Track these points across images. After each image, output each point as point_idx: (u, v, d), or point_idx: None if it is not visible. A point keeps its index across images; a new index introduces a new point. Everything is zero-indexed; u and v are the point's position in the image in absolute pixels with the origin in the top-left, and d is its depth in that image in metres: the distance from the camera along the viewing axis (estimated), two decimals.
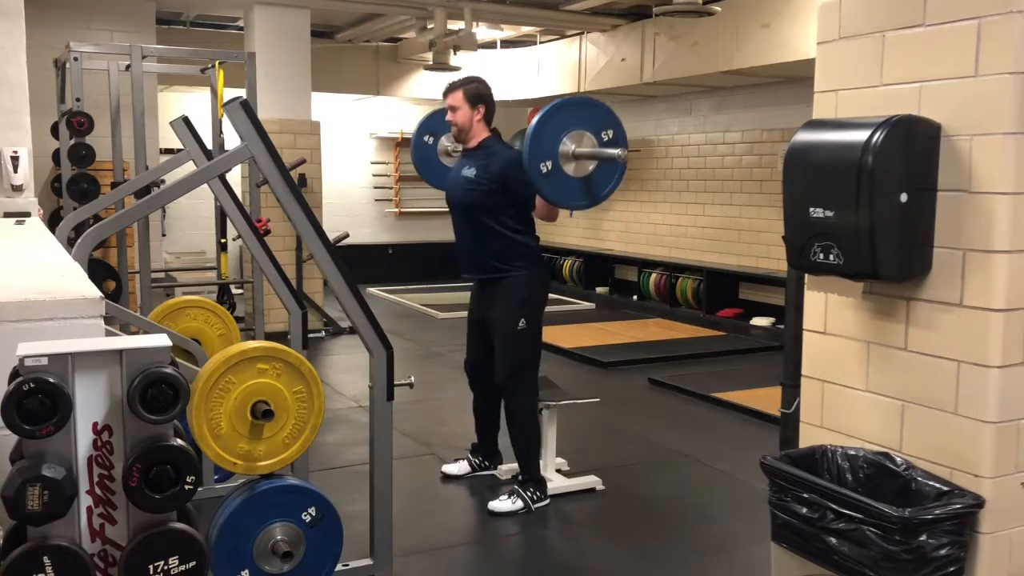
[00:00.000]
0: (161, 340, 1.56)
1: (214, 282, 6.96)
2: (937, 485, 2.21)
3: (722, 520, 3.83)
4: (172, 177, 4.86)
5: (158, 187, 5.16)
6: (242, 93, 5.56)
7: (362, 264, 10.43)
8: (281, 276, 3.29)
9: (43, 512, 1.44)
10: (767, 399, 5.07)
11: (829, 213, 2.26)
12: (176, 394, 1.52)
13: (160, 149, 7.78)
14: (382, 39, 9.84)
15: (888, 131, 2.16)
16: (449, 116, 3.94)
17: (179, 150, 4.21)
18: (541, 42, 10.06)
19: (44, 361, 1.45)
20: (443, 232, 11.76)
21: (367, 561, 2.88)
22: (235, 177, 7.34)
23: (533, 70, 10.17)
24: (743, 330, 8.30)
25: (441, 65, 8.59)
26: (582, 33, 9.29)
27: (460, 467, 4.30)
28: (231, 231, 6.28)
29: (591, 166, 3.51)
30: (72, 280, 1.82)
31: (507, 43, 10.23)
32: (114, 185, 5.77)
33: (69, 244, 3.36)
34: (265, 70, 6.99)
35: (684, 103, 9.77)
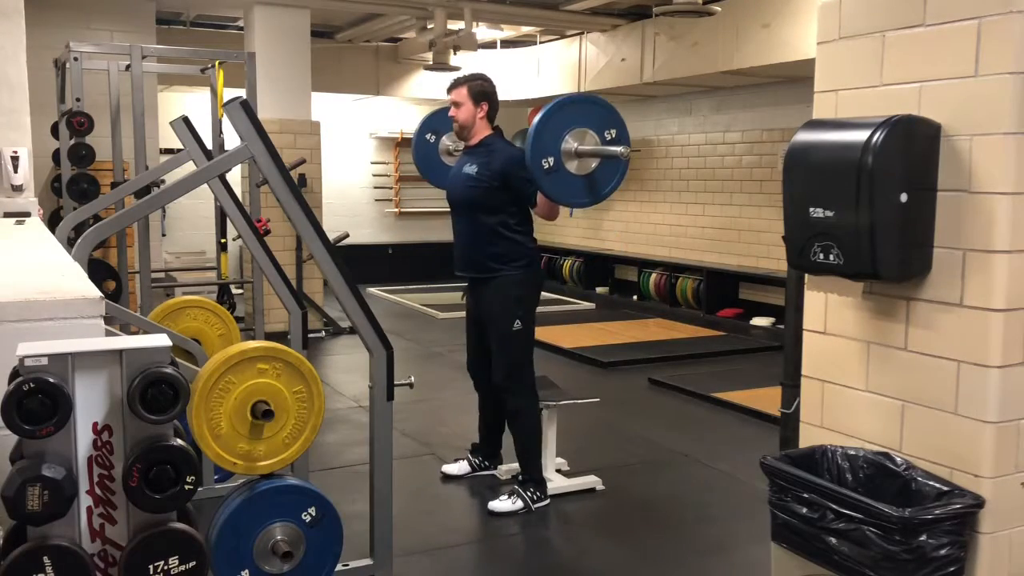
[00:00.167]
0: (161, 340, 1.56)
1: (214, 282, 6.96)
2: (937, 485, 2.21)
3: (722, 520, 3.83)
4: (172, 177, 4.86)
5: (158, 187, 5.16)
6: (242, 93, 5.57)
7: (362, 264, 10.43)
8: (281, 276, 3.29)
9: (43, 512, 1.44)
10: (767, 399, 5.07)
11: (829, 213, 2.26)
12: (176, 394, 1.52)
13: (160, 149, 7.78)
14: (382, 39, 9.84)
15: (888, 131, 2.16)
16: (452, 112, 3.94)
17: (179, 150, 4.21)
18: (541, 42, 10.06)
19: (44, 361, 1.45)
20: (443, 232, 11.73)
21: (367, 561, 2.88)
22: (235, 177, 7.34)
23: (533, 70, 10.18)
24: (743, 330, 8.30)
25: (441, 65, 8.59)
26: (582, 33, 9.29)
27: (460, 467, 4.30)
28: (231, 231, 6.29)
29: (593, 164, 3.52)
30: (72, 280, 1.82)
31: (507, 43, 10.23)
32: (114, 185, 5.77)
33: (69, 244, 3.36)
34: (265, 70, 6.99)
35: (684, 103, 9.77)
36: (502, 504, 3.85)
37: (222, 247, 6.59)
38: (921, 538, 2.06)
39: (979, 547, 2.18)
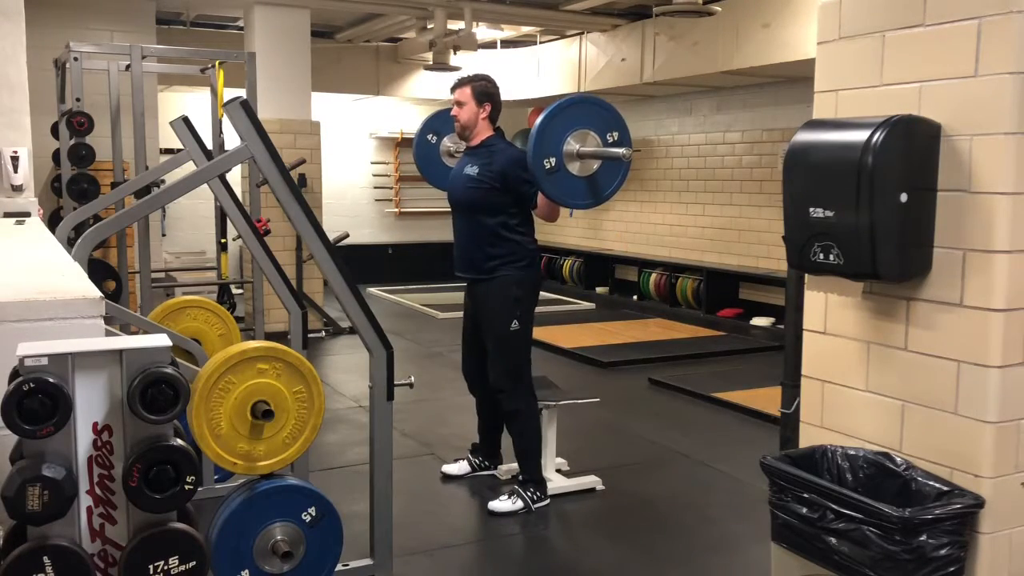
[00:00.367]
0: (161, 340, 1.56)
1: (214, 282, 6.97)
2: (937, 485, 2.21)
3: (722, 520, 3.83)
4: (172, 177, 4.87)
5: (158, 187, 5.16)
6: (242, 93, 5.56)
7: (362, 264, 10.45)
8: (281, 276, 3.29)
9: (43, 512, 1.44)
10: (767, 399, 5.07)
11: (829, 213, 2.26)
12: (176, 394, 1.52)
13: (160, 149, 7.78)
14: (382, 39, 9.84)
15: (888, 131, 2.16)
16: (455, 111, 3.94)
17: (179, 150, 4.22)
18: (541, 42, 10.06)
19: (44, 361, 1.45)
20: (443, 232, 11.74)
21: (367, 561, 2.88)
22: (235, 177, 7.34)
23: (533, 70, 10.18)
24: (743, 330, 8.30)
25: (441, 65, 8.59)
26: (582, 33, 9.29)
27: (460, 467, 4.30)
28: (231, 231, 6.29)
29: (595, 165, 3.52)
30: (72, 280, 1.82)
31: (507, 43, 10.23)
32: (114, 185, 5.78)
33: (69, 244, 3.36)
34: (265, 70, 6.99)
35: (684, 103, 9.77)
36: (502, 504, 3.85)
37: (222, 247, 6.60)
38: (921, 538, 2.06)
39: (979, 547, 2.18)
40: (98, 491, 1.53)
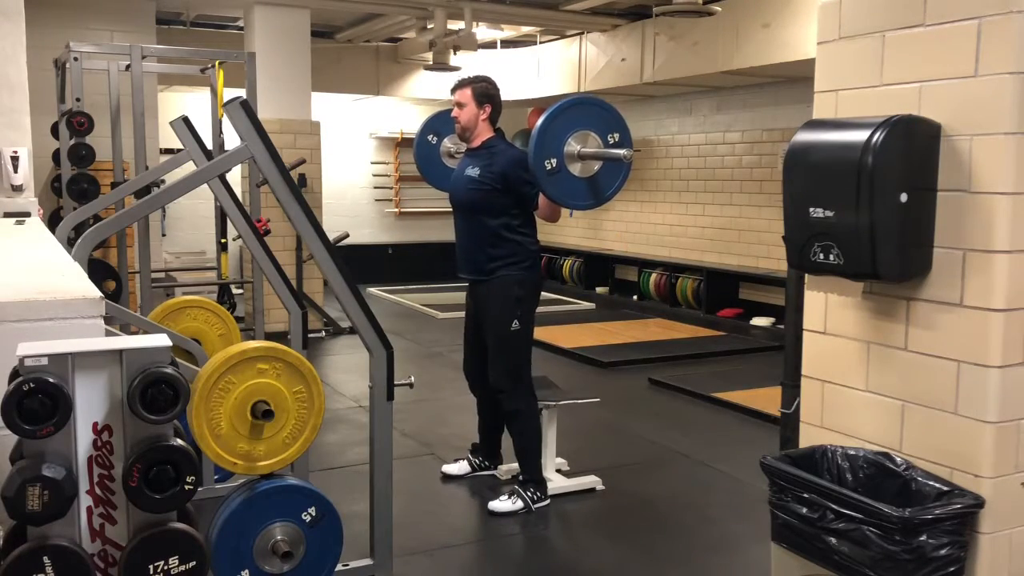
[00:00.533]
0: (161, 340, 1.56)
1: (214, 282, 6.97)
2: (937, 485, 2.21)
3: (722, 520, 3.83)
4: (172, 177, 4.87)
5: (158, 187, 5.16)
6: (242, 93, 5.57)
7: (362, 264, 10.45)
8: (281, 276, 3.29)
9: (43, 512, 1.44)
10: (767, 399, 5.07)
11: (829, 213, 2.26)
12: (176, 394, 1.52)
13: (160, 149, 7.78)
14: (382, 39, 9.84)
15: (888, 131, 2.16)
16: (455, 112, 3.94)
17: (179, 150, 4.22)
18: (541, 42, 10.06)
19: (44, 361, 1.45)
20: (443, 232, 11.78)
21: (367, 561, 2.88)
22: (235, 177, 7.34)
23: (533, 70, 10.18)
24: (743, 330, 8.30)
25: (441, 65, 8.59)
26: (582, 33, 9.29)
27: (460, 467, 4.30)
28: (231, 231, 6.29)
29: (596, 166, 3.52)
30: (72, 280, 1.82)
31: (507, 43, 10.23)
32: (114, 185, 5.78)
33: (69, 244, 3.36)
34: (265, 70, 6.99)
35: (684, 103, 9.77)
36: (502, 504, 3.85)
37: (222, 247, 6.60)
38: (921, 538, 2.06)
39: (979, 547, 2.18)
40: (98, 491, 1.53)
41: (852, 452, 2.43)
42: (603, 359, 6.82)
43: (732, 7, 7.20)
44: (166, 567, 1.54)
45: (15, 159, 3.28)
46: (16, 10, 3.25)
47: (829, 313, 2.58)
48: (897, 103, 2.31)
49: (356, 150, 11.50)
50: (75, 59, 5.60)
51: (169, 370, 1.52)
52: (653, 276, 9.59)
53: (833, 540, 2.20)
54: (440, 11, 7.95)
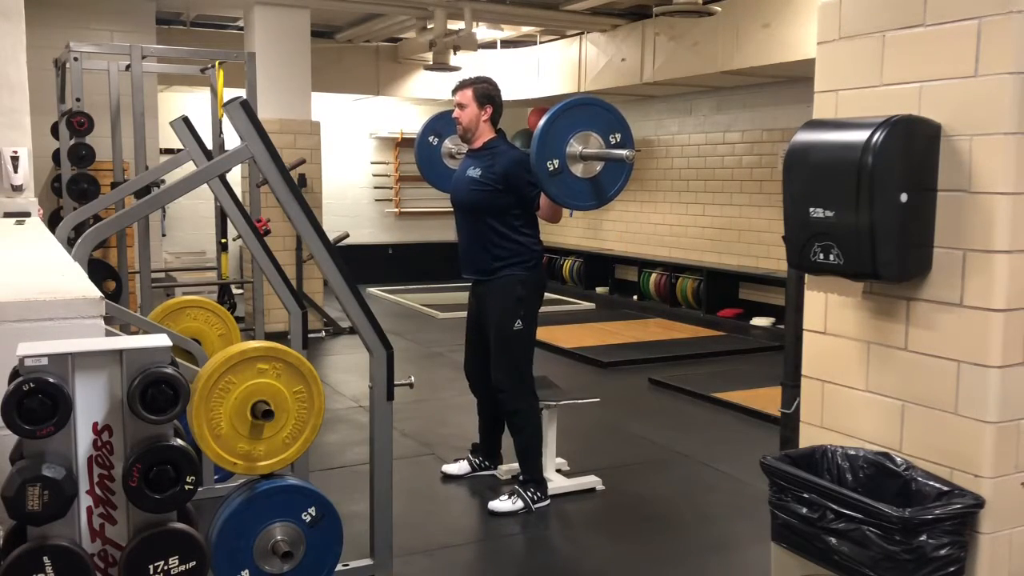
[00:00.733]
0: (161, 340, 1.56)
1: (214, 282, 6.96)
2: (937, 485, 2.21)
3: (722, 520, 3.83)
4: (172, 177, 4.87)
5: (158, 187, 5.16)
6: (242, 93, 5.56)
7: (362, 264, 10.44)
8: (281, 276, 3.29)
9: (43, 512, 1.44)
10: (767, 399, 5.07)
11: (829, 213, 2.25)
12: (176, 394, 1.52)
13: (160, 149, 7.78)
14: (382, 39, 9.84)
15: (888, 131, 2.16)
16: (456, 113, 3.94)
17: (179, 150, 4.22)
18: (541, 42, 10.06)
19: (44, 361, 1.45)
20: (443, 232, 11.80)
21: (367, 561, 2.88)
22: (235, 177, 7.34)
23: (533, 70, 10.18)
24: (743, 330, 8.30)
25: (441, 65, 8.59)
26: (582, 33, 9.29)
27: (460, 467, 4.30)
28: (231, 231, 6.29)
29: (598, 167, 3.53)
30: (72, 280, 1.82)
31: (507, 43, 10.23)
32: (114, 185, 5.78)
33: (69, 244, 3.36)
34: (265, 70, 6.99)
35: (684, 103, 9.77)
36: (502, 504, 3.85)
37: (222, 247, 6.59)
38: (921, 538, 2.06)
39: (979, 547, 2.18)
40: (98, 491, 1.53)
41: (852, 452, 2.43)
42: (603, 359, 6.82)
43: (732, 7, 7.20)
44: (166, 567, 1.54)
45: (15, 159, 3.28)
46: (16, 10, 3.25)
47: (829, 313, 2.58)
48: (897, 103, 2.31)
49: (356, 150, 11.50)
50: (75, 59, 5.60)
51: (169, 370, 1.52)
52: (653, 276, 9.60)
53: (833, 540, 2.20)
54: (440, 11, 7.95)
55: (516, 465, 4.03)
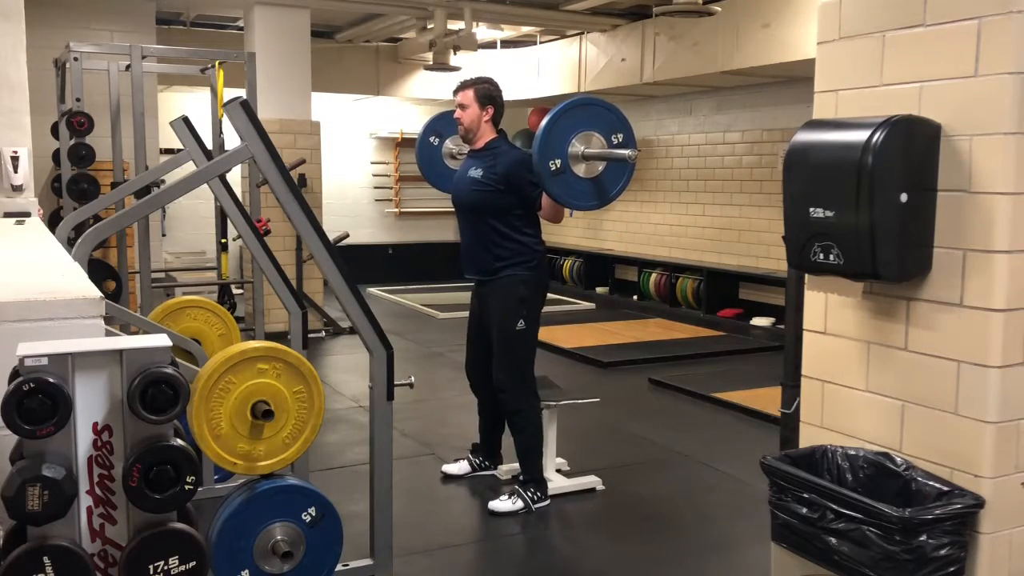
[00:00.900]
0: (161, 340, 1.56)
1: (214, 282, 6.96)
2: (937, 485, 2.21)
3: (722, 520, 3.83)
4: (172, 177, 4.86)
5: (158, 187, 5.16)
6: (242, 93, 5.56)
7: (362, 264, 10.45)
8: (281, 276, 3.29)
9: (43, 512, 1.44)
10: (767, 399, 5.07)
11: (829, 213, 2.26)
12: (176, 394, 1.52)
13: (160, 149, 7.78)
14: (382, 39, 9.84)
15: (888, 131, 2.16)
16: (457, 113, 3.94)
17: (179, 150, 4.21)
18: (541, 42, 10.06)
19: (44, 361, 1.45)
20: (443, 232, 11.80)
21: (367, 561, 2.88)
22: (235, 177, 7.34)
23: (533, 70, 10.18)
24: (743, 330, 8.30)
25: (441, 65, 8.59)
26: (582, 33, 9.29)
27: (460, 467, 4.30)
28: (231, 231, 6.29)
29: (600, 167, 3.53)
30: (72, 280, 1.82)
31: (507, 43, 10.23)
32: (114, 185, 5.78)
33: (69, 244, 3.36)
34: (265, 70, 6.99)
35: (684, 103, 9.77)
36: (502, 504, 3.85)
37: (222, 247, 6.59)
38: (921, 538, 2.06)
39: (979, 547, 2.18)
40: (98, 491, 1.53)
41: (852, 452, 2.43)
42: (603, 359, 6.82)
43: (732, 7, 7.20)
44: (166, 567, 1.54)
45: (15, 159, 3.28)
46: (16, 10, 3.25)
47: (829, 313, 2.58)
48: (897, 103, 2.31)
49: (356, 150, 11.50)
50: (75, 59, 5.60)
51: (169, 370, 1.52)
52: (653, 276, 9.59)
53: (833, 540, 2.20)
54: (440, 11, 7.95)
55: (516, 465, 4.03)
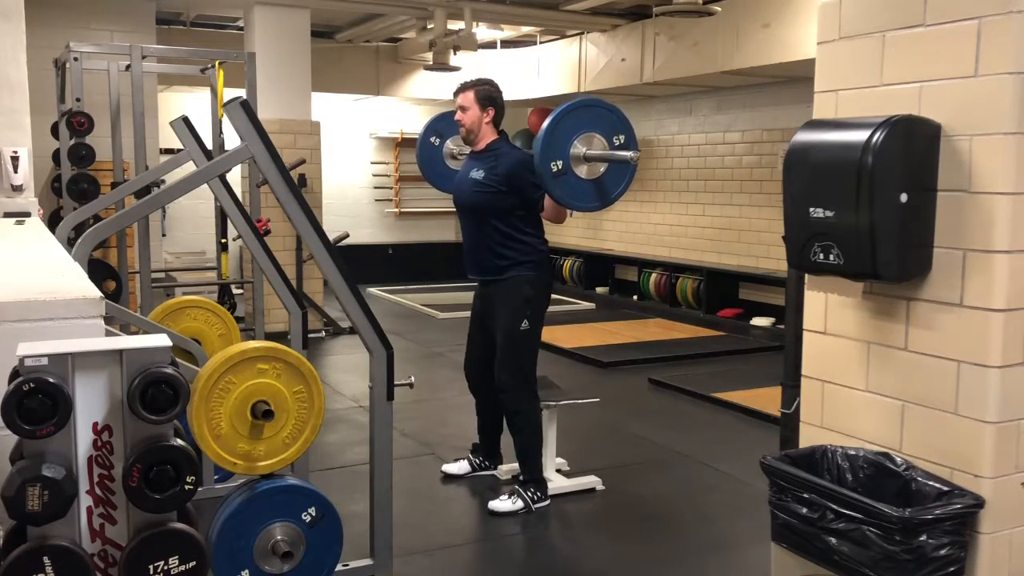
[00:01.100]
0: (161, 340, 1.56)
1: (214, 282, 6.96)
2: (937, 485, 2.21)
3: (722, 520, 3.83)
4: (172, 177, 4.87)
5: (158, 187, 5.16)
6: (242, 93, 5.56)
7: (362, 264, 10.45)
8: (281, 276, 3.29)
9: (43, 512, 1.44)
10: (767, 399, 5.07)
11: (829, 213, 2.26)
12: (176, 394, 1.52)
13: (160, 149, 7.78)
14: (382, 39, 9.84)
15: (888, 131, 2.16)
16: (458, 115, 3.94)
17: (179, 150, 4.22)
18: (541, 42, 10.06)
19: (44, 361, 1.45)
20: (443, 232, 11.80)
21: (367, 561, 2.88)
22: (235, 177, 7.34)
23: (533, 70, 10.18)
24: (743, 330, 8.30)
25: (441, 65, 8.59)
26: (582, 33, 9.29)
27: (460, 467, 4.30)
28: (231, 231, 6.29)
29: (602, 168, 3.53)
30: (72, 280, 1.82)
31: (507, 43, 10.23)
32: (114, 185, 5.78)
33: (69, 244, 3.36)
34: (265, 70, 6.99)
35: (684, 103, 9.77)
36: (502, 504, 3.85)
37: (222, 247, 6.59)
38: (921, 538, 2.06)
39: (979, 547, 2.18)
40: (98, 491, 1.53)
41: (852, 452, 2.43)
42: (603, 359, 6.82)
43: (732, 7, 7.20)
44: (166, 567, 1.54)
45: (15, 159, 3.28)
46: (16, 10, 3.25)
47: (829, 313, 2.58)
48: (897, 103, 2.31)
49: (356, 150, 11.50)
50: (75, 59, 5.60)
51: (169, 370, 1.52)
52: (653, 276, 9.59)
53: (833, 540, 2.20)
54: (440, 11, 7.95)
55: (516, 465, 4.03)
